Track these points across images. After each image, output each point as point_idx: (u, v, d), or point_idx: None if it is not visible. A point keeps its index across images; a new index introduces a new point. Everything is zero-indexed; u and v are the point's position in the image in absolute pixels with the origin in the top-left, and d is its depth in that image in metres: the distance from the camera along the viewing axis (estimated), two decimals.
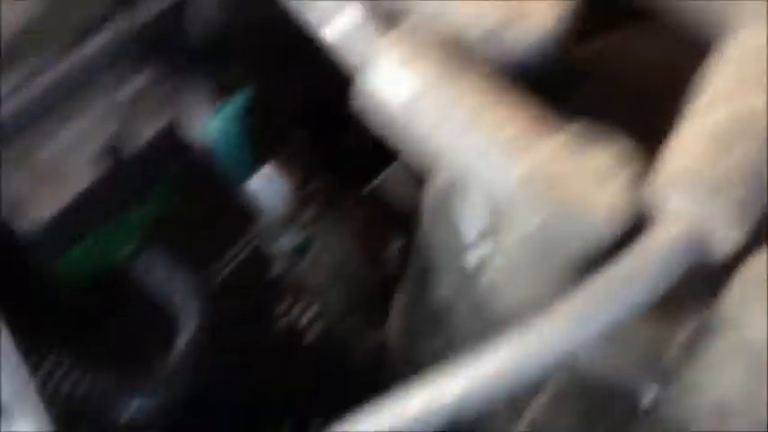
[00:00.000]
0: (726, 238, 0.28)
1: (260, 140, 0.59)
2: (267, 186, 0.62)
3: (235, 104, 0.54)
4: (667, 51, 0.37)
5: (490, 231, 0.33)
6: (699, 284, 0.29)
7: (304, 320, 0.75)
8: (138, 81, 0.36)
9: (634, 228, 0.29)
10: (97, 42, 0.36)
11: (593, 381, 0.32)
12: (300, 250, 0.63)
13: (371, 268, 0.65)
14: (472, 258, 0.34)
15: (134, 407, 0.44)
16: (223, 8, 0.46)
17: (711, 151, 0.28)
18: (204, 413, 0.48)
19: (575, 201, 0.28)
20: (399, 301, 0.57)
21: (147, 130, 0.36)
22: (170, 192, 0.45)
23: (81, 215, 0.35)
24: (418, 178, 0.80)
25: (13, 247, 0.36)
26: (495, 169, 0.30)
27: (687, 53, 0.34)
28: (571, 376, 0.32)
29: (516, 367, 0.27)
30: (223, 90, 0.59)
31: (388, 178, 0.78)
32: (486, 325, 0.38)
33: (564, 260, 0.30)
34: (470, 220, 0.36)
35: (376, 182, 0.78)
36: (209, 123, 0.56)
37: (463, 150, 0.30)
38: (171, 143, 0.38)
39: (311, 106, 0.64)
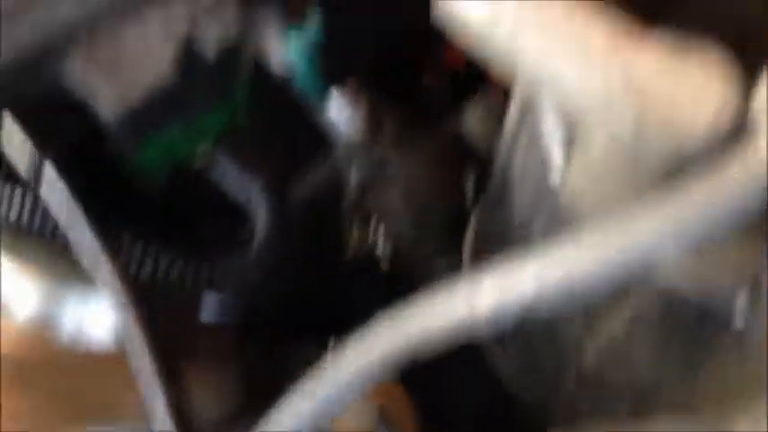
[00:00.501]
0: None
1: (334, 65, 0.58)
2: (341, 110, 0.62)
3: (308, 28, 0.54)
4: None
5: (574, 142, 0.31)
6: None
7: (375, 245, 0.75)
8: None
9: (733, 139, 0.27)
10: None
11: (678, 300, 0.30)
12: (373, 175, 0.63)
13: (445, 197, 0.64)
14: (554, 175, 0.33)
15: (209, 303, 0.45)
16: None
17: None
18: (271, 320, 0.48)
19: (673, 106, 0.27)
20: (473, 227, 0.56)
21: (224, 35, 0.35)
22: (244, 102, 0.45)
23: (157, 110, 0.35)
24: (492, 121, 0.79)
25: (94, 141, 0.37)
26: (586, 74, 0.28)
27: None
28: (654, 294, 0.31)
29: (595, 264, 0.26)
30: (297, 12, 0.58)
31: (463, 121, 0.77)
32: None
33: (654, 171, 0.28)
34: (552, 132, 0.34)
35: (451, 124, 0.77)
36: (283, 44, 0.56)
37: (548, 53, 0.29)
38: (246, 53, 0.37)
39: (388, 39, 0.62)
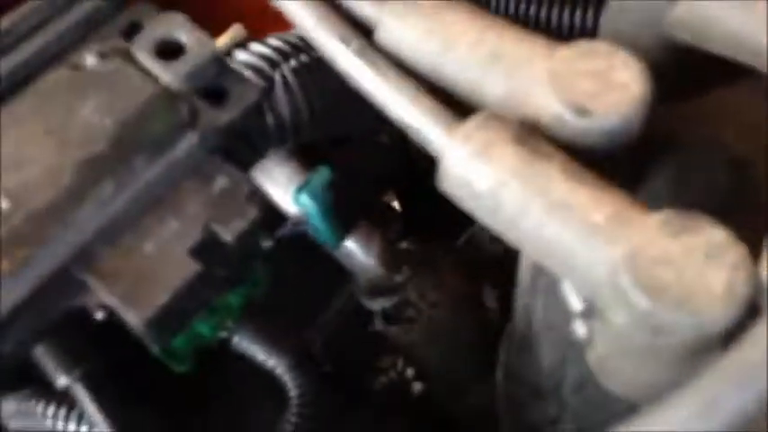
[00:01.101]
0: None
1: (346, 208, 0.60)
2: (359, 249, 0.63)
3: (319, 178, 0.56)
4: None
5: (592, 312, 0.32)
6: None
7: (405, 378, 0.74)
8: (224, 178, 0.37)
9: (751, 310, 0.27)
10: (184, 145, 0.37)
11: None
12: (396, 310, 0.63)
13: (470, 322, 0.64)
14: (580, 328, 0.33)
15: None
16: (296, 104, 0.47)
17: None
18: None
19: (685, 284, 0.27)
20: (503, 366, 0.56)
21: (238, 224, 0.36)
22: (266, 272, 0.46)
23: (182, 307, 0.36)
24: None
25: (122, 343, 0.37)
26: (589, 255, 0.29)
27: None
28: None
29: None
30: (309, 163, 0.60)
31: (477, 228, 0.77)
32: (596, 400, 0.36)
33: (676, 345, 0.28)
34: (571, 291, 0.34)
35: (468, 232, 0.78)
36: (299, 196, 0.57)
37: (551, 238, 0.29)
38: (262, 233, 0.38)
39: (398, 167, 0.64)
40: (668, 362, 0.29)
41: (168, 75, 0.38)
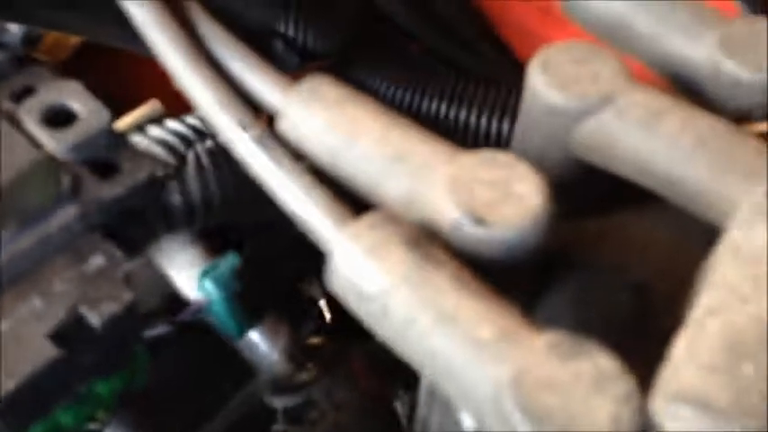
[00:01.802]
0: None
1: (254, 298, 0.57)
2: (264, 342, 0.60)
3: (226, 264, 0.53)
4: (675, 236, 0.34)
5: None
6: None
7: None
8: (100, 257, 0.34)
9: None
10: (61, 218, 0.34)
11: None
12: (300, 410, 0.60)
13: (378, 428, 0.61)
14: None
15: None
16: (208, 185, 0.46)
17: (721, 364, 0.25)
18: None
19: (568, 411, 0.25)
20: None
21: (108, 308, 0.33)
22: (146, 360, 0.43)
23: (37, 393, 0.32)
24: None
25: None
26: (474, 373, 0.27)
27: (696, 238, 0.31)
28: None
29: None
30: (213, 250, 0.58)
31: None
32: None
33: None
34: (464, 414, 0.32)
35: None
36: (203, 281, 0.55)
37: (437, 351, 0.27)
38: (137, 319, 0.35)
39: (309, 264, 0.62)
40: None
41: (55, 143, 0.36)
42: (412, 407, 0.74)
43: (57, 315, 0.33)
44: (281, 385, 0.61)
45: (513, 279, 0.30)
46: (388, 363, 0.71)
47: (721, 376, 0.24)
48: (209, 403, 0.62)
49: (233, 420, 0.65)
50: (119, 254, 0.35)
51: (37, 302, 0.33)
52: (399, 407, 0.72)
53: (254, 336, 0.60)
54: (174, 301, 0.56)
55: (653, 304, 0.36)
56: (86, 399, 0.40)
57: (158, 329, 0.50)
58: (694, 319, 0.26)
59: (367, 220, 0.30)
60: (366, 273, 0.29)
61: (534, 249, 0.30)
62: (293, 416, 0.60)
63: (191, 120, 0.57)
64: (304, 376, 0.60)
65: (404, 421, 0.68)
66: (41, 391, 0.33)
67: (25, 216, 0.34)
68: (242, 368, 0.62)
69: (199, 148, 0.55)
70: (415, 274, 0.28)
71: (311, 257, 0.64)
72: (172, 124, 0.57)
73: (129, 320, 0.35)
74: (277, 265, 0.61)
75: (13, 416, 0.32)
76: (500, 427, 0.26)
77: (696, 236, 0.31)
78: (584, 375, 0.26)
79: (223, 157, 0.55)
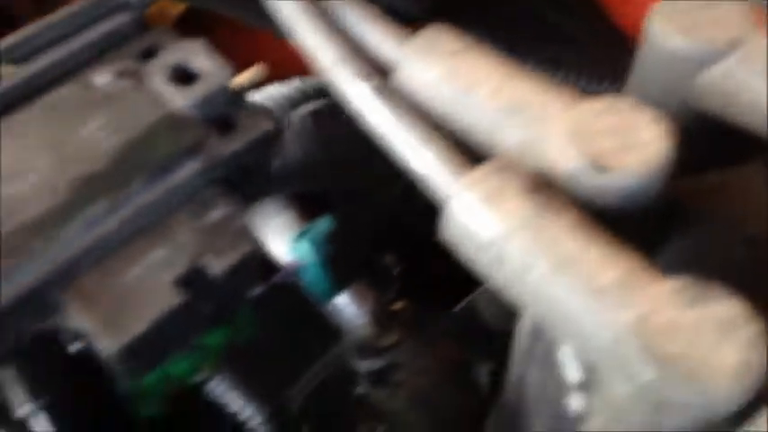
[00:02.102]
0: None
1: (344, 263, 0.58)
2: (352, 306, 0.61)
3: (321, 228, 0.54)
4: None
5: (591, 382, 0.29)
6: None
7: None
8: (221, 209, 0.36)
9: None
10: (184, 172, 0.36)
11: None
12: (383, 373, 0.61)
13: (458, 394, 0.61)
14: (575, 402, 0.31)
15: None
16: (307, 142, 0.46)
17: None
18: None
19: (693, 357, 0.25)
20: None
21: (229, 258, 0.35)
22: (251, 316, 0.44)
23: (160, 339, 0.34)
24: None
25: (91, 369, 0.35)
26: (595, 317, 0.27)
27: None
28: None
29: None
30: (308, 214, 0.59)
31: (478, 298, 0.75)
32: None
33: (681, 425, 0.26)
34: (569, 356, 0.32)
35: (463, 304, 0.76)
36: (298, 243, 0.56)
37: (555, 296, 0.27)
38: (252, 270, 0.37)
39: (398, 230, 0.63)
40: None
41: (179, 100, 0.37)
42: (494, 373, 0.74)
43: (181, 264, 0.35)
44: (366, 348, 0.61)
45: (633, 229, 0.30)
46: (468, 331, 0.71)
47: None
48: (296, 365, 0.64)
49: (318, 382, 0.66)
50: (238, 207, 0.37)
51: (162, 252, 0.35)
52: (480, 376, 0.72)
53: (343, 300, 0.61)
54: (266, 265, 0.57)
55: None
56: (198, 349, 0.42)
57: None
58: None
59: (484, 168, 0.30)
60: (484, 220, 0.29)
61: (655, 198, 0.30)
62: (376, 379, 0.61)
63: (289, 85, 0.59)
64: (388, 340, 0.61)
65: (483, 390, 0.68)
66: (163, 337, 0.34)
67: (152, 170, 0.36)
68: (329, 331, 0.63)
69: (297, 112, 0.57)
70: (534, 221, 0.28)
71: (393, 227, 0.64)
72: (272, 89, 0.58)
73: (246, 271, 0.37)
74: (366, 232, 0.62)
75: (134, 361, 0.34)
76: (620, 375, 0.26)
77: None
78: (711, 320, 0.25)
79: (320, 123, 0.57)
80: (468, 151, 0.33)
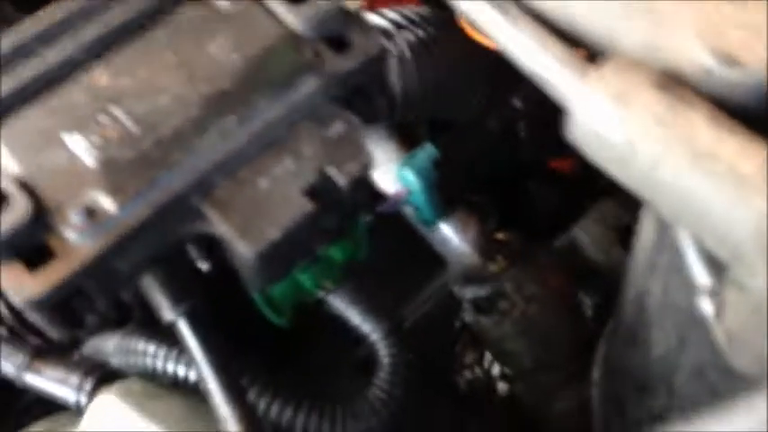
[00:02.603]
0: None
1: (448, 190, 0.59)
2: (456, 234, 0.62)
3: (425, 155, 0.55)
4: None
5: (727, 275, 0.29)
6: None
7: (492, 374, 0.72)
8: (340, 124, 0.37)
9: None
10: (305, 88, 0.37)
11: None
12: (489, 301, 0.61)
13: (565, 322, 0.62)
14: (706, 304, 0.31)
15: None
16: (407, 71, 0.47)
17: None
18: None
19: None
20: (602, 363, 0.54)
21: (352, 169, 0.36)
22: (366, 234, 0.46)
23: (291, 246, 0.36)
24: (610, 232, 0.76)
25: (223, 279, 0.37)
26: (736, 206, 0.27)
27: None
28: None
29: None
30: (413, 141, 0.60)
31: (578, 232, 0.75)
32: (714, 385, 0.34)
33: None
34: (698, 259, 0.32)
35: (566, 236, 0.75)
36: (404, 170, 0.57)
37: (693, 188, 0.27)
38: (368, 186, 0.38)
39: (502, 162, 0.63)
40: None
41: (296, 19, 0.38)
42: (598, 306, 0.74)
43: (308, 174, 0.36)
44: (471, 276, 0.62)
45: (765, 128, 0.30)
46: (572, 266, 0.71)
47: None
48: (406, 290, 0.65)
49: (425, 310, 0.67)
50: (356, 120, 0.38)
51: (289, 163, 0.36)
52: (585, 308, 0.72)
53: (446, 229, 0.62)
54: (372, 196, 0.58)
55: None
56: (322, 262, 0.44)
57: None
58: None
59: (611, 66, 0.30)
60: (614, 117, 0.29)
61: None
62: (481, 306, 0.62)
63: (389, 13, 0.59)
64: (493, 268, 0.61)
65: (589, 322, 0.68)
66: (294, 244, 0.36)
67: (275, 86, 0.37)
68: (433, 260, 0.64)
69: (399, 40, 0.57)
70: (667, 114, 0.28)
71: (494, 157, 0.64)
72: (372, 17, 0.59)
73: (365, 183, 0.38)
74: (466, 161, 0.62)
75: (268, 266, 0.35)
76: (762, 264, 0.26)
77: None
78: None
79: (422, 50, 0.57)
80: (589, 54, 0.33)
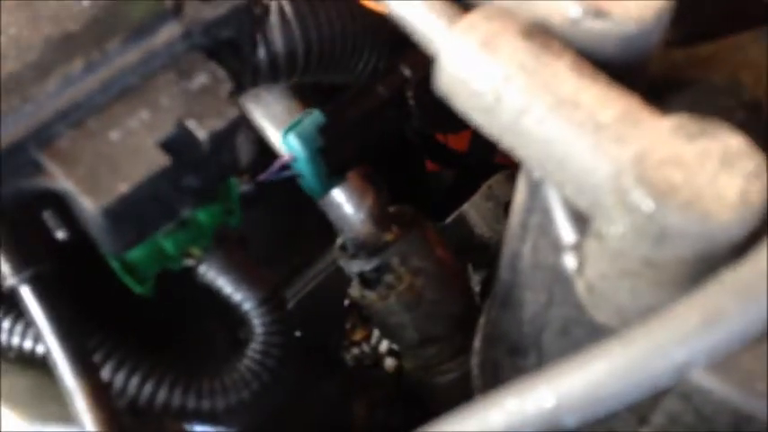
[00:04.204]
0: None
1: (335, 158, 0.57)
2: (351, 202, 0.60)
3: (310, 120, 0.53)
4: None
5: (589, 228, 0.29)
6: None
7: (379, 351, 0.71)
8: (205, 76, 0.34)
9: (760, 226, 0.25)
10: (165, 35, 0.34)
11: (714, 408, 0.27)
12: (375, 274, 0.60)
13: (451, 295, 0.61)
14: (570, 261, 0.30)
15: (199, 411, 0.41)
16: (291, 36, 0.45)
17: None
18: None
19: (694, 187, 0.24)
20: (481, 330, 0.53)
21: (214, 123, 0.34)
22: (238, 197, 0.43)
23: (146, 205, 0.33)
24: (499, 208, 0.77)
25: (80, 240, 0.35)
26: (594, 154, 0.26)
27: None
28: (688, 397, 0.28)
29: (620, 379, 0.23)
30: (299, 106, 0.58)
31: (468, 209, 0.75)
32: (581, 343, 0.34)
33: (680, 260, 0.25)
34: (565, 218, 0.32)
35: (456, 213, 0.75)
36: (287, 136, 0.54)
37: (554, 136, 0.27)
38: (239, 141, 0.35)
39: (391, 131, 0.62)
40: (668, 281, 0.26)
41: None
42: (485, 282, 0.74)
43: (165, 127, 0.33)
44: (361, 247, 0.60)
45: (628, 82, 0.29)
46: (460, 242, 0.70)
47: None
48: (290, 259, 0.63)
49: (314, 286, 0.66)
50: (222, 73, 0.35)
51: (145, 114, 0.34)
52: (471, 283, 0.72)
53: (341, 196, 0.60)
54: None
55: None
56: (188, 227, 0.41)
57: (244, 187, 0.50)
58: None
59: (477, 14, 0.29)
60: (480, 64, 0.28)
61: (653, 49, 0.29)
62: (368, 280, 0.60)
63: None
64: (387, 238, 0.59)
65: (476, 296, 0.68)
66: (149, 203, 0.33)
67: (130, 32, 0.34)
68: (324, 231, 0.62)
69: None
70: (532, 63, 0.28)
71: (386, 124, 0.63)
72: None
73: (232, 140, 0.36)
74: (358, 128, 0.60)
75: (120, 224, 0.33)
76: (618, 211, 0.26)
77: None
78: (712, 153, 0.25)
79: (306, 8, 0.55)
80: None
